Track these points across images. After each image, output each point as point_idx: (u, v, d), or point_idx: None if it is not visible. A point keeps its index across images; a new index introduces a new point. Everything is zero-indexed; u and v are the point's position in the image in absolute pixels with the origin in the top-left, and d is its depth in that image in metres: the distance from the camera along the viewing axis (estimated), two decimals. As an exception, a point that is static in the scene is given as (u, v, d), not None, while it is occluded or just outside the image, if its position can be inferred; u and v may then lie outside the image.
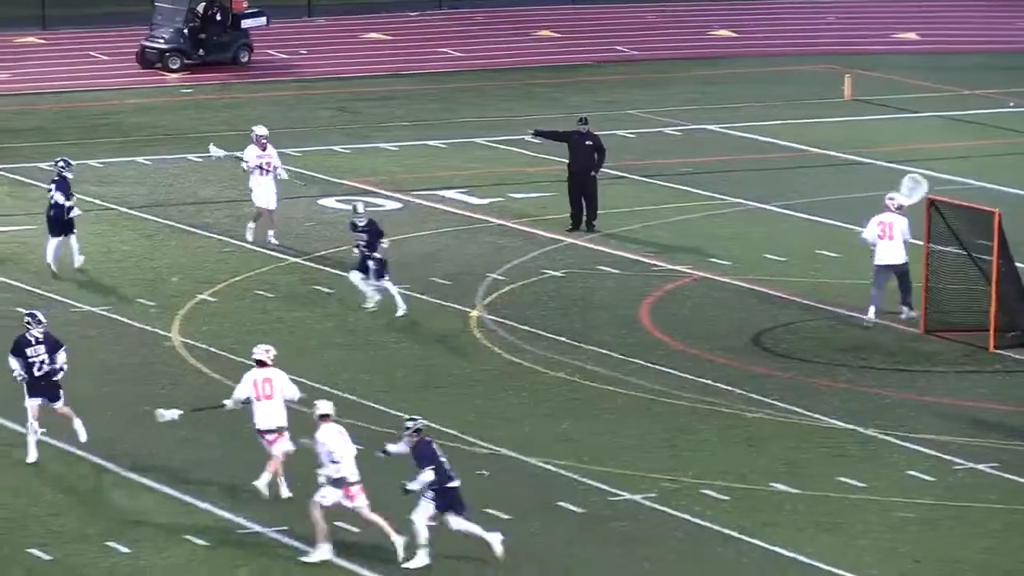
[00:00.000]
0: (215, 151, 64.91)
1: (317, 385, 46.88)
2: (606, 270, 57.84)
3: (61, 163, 60.80)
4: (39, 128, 77.10)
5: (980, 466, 43.12)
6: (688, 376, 48.79)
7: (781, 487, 42.14)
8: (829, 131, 75.25)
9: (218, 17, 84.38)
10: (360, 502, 39.54)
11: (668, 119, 77.28)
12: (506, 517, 40.28)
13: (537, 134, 63.95)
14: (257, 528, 40.86)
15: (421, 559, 39.00)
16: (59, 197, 59.34)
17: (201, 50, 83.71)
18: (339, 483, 39.45)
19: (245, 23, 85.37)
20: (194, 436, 44.70)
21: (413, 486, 38.50)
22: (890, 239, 51.85)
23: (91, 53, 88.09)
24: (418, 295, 55.36)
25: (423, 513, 38.68)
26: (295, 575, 39.16)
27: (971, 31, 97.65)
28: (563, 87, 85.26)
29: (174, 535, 40.61)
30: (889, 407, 46.96)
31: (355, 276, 54.60)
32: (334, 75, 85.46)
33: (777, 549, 39.35)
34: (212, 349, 51.14)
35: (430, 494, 39.02)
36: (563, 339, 51.65)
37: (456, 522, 38.77)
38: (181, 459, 44.02)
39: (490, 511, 40.46)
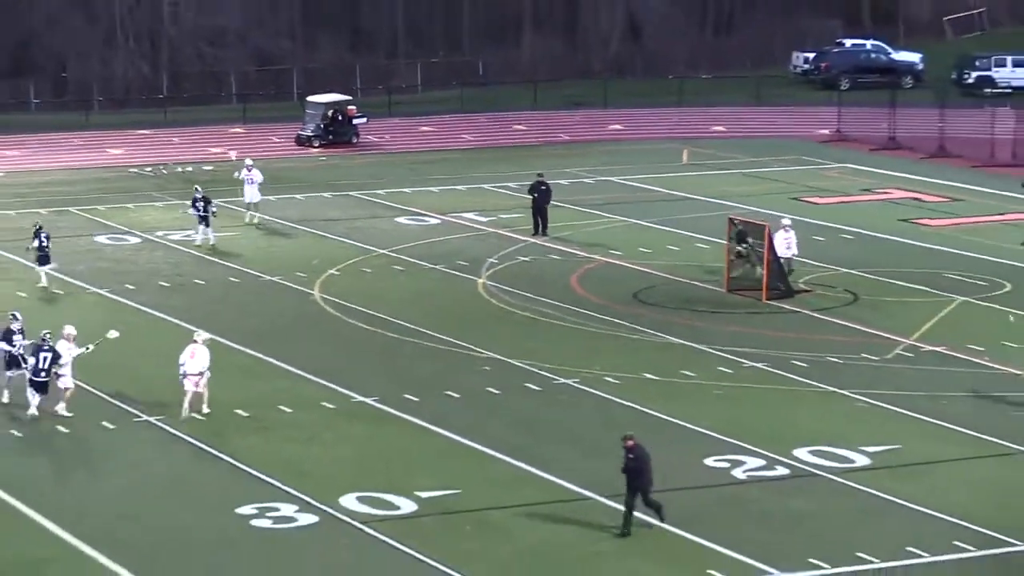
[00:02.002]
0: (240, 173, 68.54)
1: (389, 318, 53.01)
2: (553, 257, 62.40)
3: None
4: (225, 177, 78.30)
5: (759, 364, 48.50)
6: (596, 314, 53.90)
7: (649, 376, 47.49)
8: (674, 181, 78.82)
9: (339, 117, 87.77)
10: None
11: (586, 174, 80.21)
12: (496, 392, 46.44)
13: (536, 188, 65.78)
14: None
15: None
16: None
17: (330, 136, 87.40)
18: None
19: (355, 121, 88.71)
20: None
21: None
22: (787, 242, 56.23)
23: (271, 138, 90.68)
24: (450, 271, 60.17)
25: None
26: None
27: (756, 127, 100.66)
28: (530, 157, 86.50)
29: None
30: (705, 332, 52.00)
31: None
32: (404, 150, 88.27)
33: (649, 411, 44.59)
34: (338, 301, 55.56)
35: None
36: (529, 294, 56.22)
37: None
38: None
39: (490, 390, 46.52)
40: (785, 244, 56.48)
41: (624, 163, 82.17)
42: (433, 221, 68.54)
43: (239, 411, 44.58)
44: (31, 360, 42.71)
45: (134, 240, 65.68)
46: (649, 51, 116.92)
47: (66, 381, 43.06)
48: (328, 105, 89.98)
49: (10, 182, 77.84)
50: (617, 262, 61.15)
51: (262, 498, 38.27)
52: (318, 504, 37.81)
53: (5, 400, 43.81)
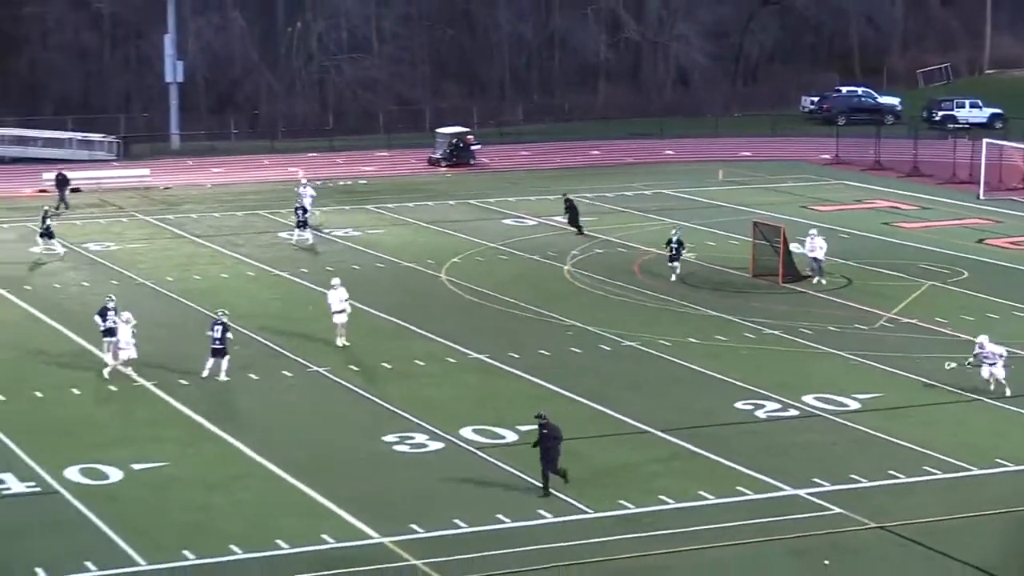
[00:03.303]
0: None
1: (496, 294, 52.69)
2: (620, 250, 61.84)
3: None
4: (392, 189, 79.69)
5: (775, 331, 47.80)
6: (652, 293, 53.18)
7: (692, 340, 47.11)
8: (711, 193, 77.78)
9: (461, 144, 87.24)
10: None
11: (645, 188, 79.59)
12: (578, 351, 46.70)
13: (569, 204, 65.02)
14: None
15: None
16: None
17: (454, 158, 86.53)
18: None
19: (472, 147, 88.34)
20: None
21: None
22: (811, 249, 54.53)
23: (410, 160, 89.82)
24: (542, 260, 59.68)
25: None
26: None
27: (774, 152, 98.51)
28: (603, 176, 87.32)
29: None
30: (735, 306, 51.39)
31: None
32: (508, 169, 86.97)
33: (692, 366, 44.78)
34: (459, 282, 55.42)
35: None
36: (602, 277, 55.72)
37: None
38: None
39: (572, 349, 46.36)
40: (810, 248, 55.25)
41: (674, 180, 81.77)
42: (530, 222, 68.37)
43: (385, 364, 44.64)
44: (208, 333, 42.17)
45: (307, 236, 64.89)
46: (694, 95, 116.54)
47: (128, 352, 42.11)
48: (453, 135, 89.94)
49: (215, 192, 78.10)
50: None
51: (402, 429, 38.34)
52: (444, 434, 37.87)
53: (110, 361, 42.81)
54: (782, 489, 34.22)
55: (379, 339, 47.63)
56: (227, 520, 31.99)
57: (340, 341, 45.84)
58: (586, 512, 32.75)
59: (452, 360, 45.27)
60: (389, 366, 44.52)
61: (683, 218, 68.42)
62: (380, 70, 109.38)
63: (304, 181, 68.40)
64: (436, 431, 38.07)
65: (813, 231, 55.45)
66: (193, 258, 60.56)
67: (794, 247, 55.24)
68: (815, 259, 54.80)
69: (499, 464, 35.66)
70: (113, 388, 41.91)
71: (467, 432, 38.08)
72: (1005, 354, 40.75)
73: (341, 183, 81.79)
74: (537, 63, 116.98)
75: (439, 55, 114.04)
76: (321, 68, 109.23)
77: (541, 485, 33.28)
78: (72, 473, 34.84)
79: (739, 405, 40.67)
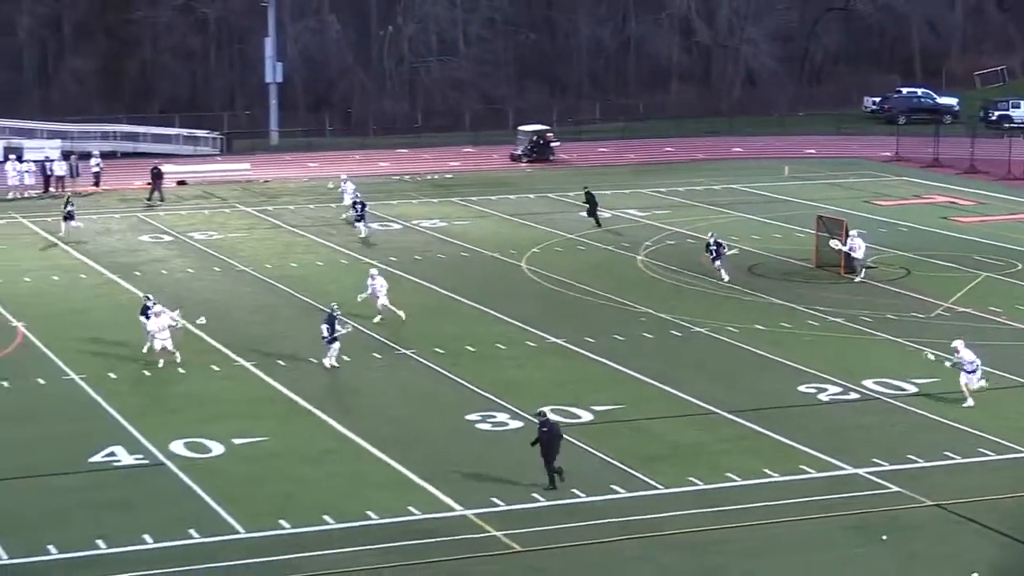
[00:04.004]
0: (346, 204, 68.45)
1: (573, 283, 52.52)
2: (690, 242, 60.47)
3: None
4: (476, 183, 79.83)
5: (837, 319, 47.89)
6: (720, 282, 52.95)
7: (758, 326, 46.86)
8: (777, 188, 77.25)
9: (541, 141, 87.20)
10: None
11: (715, 183, 79.33)
12: (650, 336, 47.09)
13: (588, 197, 64.43)
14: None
15: None
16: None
17: (534, 154, 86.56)
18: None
19: (552, 144, 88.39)
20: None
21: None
22: (850, 248, 53.14)
23: (492, 156, 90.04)
24: (617, 250, 59.67)
25: None
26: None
27: (837, 150, 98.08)
28: (675, 171, 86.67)
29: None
30: (799, 295, 51.23)
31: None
32: (586, 165, 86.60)
33: (758, 351, 44.45)
34: (538, 270, 55.51)
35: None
36: (673, 267, 55.60)
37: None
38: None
39: (645, 334, 46.46)
40: (850, 247, 54.20)
41: (742, 175, 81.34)
42: (605, 215, 67.62)
43: (468, 347, 44.71)
44: (323, 326, 41.97)
45: (396, 227, 65.77)
46: (761, 95, 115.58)
47: (164, 342, 41.71)
48: (534, 132, 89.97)
49: (310, 186, 78.02)
50: (736, 245, 59.34)
51: (484, 408, 38.45)
52: (523, 413, 37.78)
53: (163, 344, 42.37)
54: (843, 468, 34.06)
55: (463, 323, 47.74)
56: (320, 492, 32.14)
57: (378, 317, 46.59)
58: (657, 488, 32.73)
59: (532, 344, 45.28)
60: (473, 349, 44.56)
61: (750, 212, 68.30)
62: (466, 71, 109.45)
63: (344, 177, 68.57)
64: (516, 410, 38.08)
65: (853, 232, 54.69)
66: (290, 247, 60.81)
67: (834, 243, 54.56)
68: (854, 258, 53.89)
69: (575, 442, 35.51)
70: (216, 368, 42.15)
71: (546, 411, 37.72)
72: (978, 361, 38.53)
73: (428, 177, 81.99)
74: (614, 65, 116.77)
75: (522, 57, 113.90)
76: (411, 69, 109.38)
77: (548, 480, 32.38)
78: (177, 447, 35.16)
79: (802, 388, 40.46)
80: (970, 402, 38.18)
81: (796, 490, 32.60)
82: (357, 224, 62.09)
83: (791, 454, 34.96)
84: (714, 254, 53.10)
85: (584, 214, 64.58)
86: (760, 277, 54.88)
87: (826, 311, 49.33)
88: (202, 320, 44.32)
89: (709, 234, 55.13)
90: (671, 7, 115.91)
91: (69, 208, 61.61)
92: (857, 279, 52.96)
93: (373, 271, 48.59)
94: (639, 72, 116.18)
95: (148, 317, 41.99)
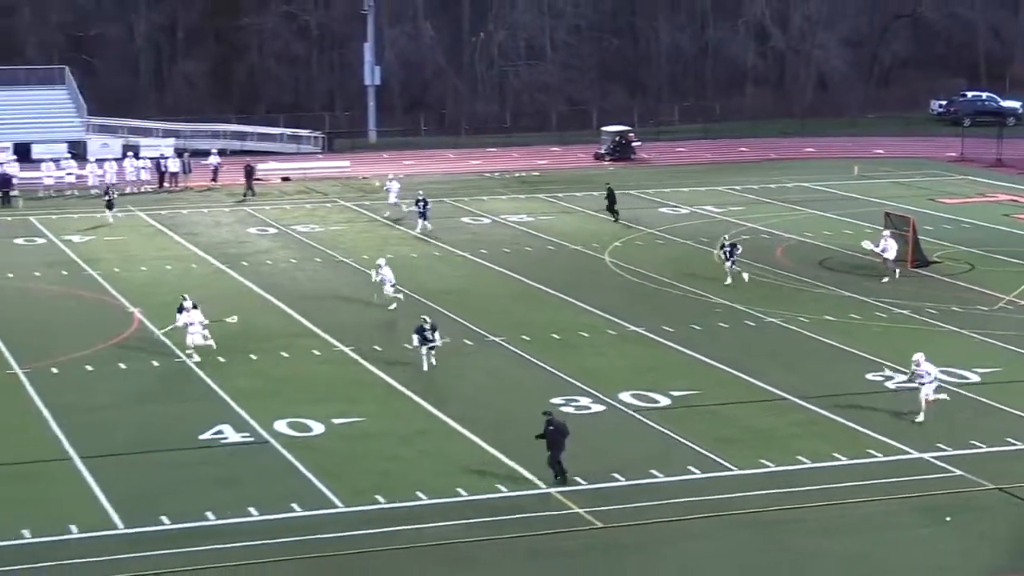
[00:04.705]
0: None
1: (653, 275, 52.47)
2: (764, 237, 60.93)
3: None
4: (561, 180, 78.62)
5: (904, 311, 47.64)
6: (793, 275, 52.85)
7: (828, 317, 46.29)
8: (848, 186, 76.56)
9: (623, 141, 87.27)
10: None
11: (788, 181, 79.17)
12: (725, 326, 46.97)
13: (609, 192, 64.49)
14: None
15: None
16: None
17: (617, 153, 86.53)
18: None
19: (633, 143, 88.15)
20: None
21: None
22: (883, 249, 51.84)
23: (577, 155, 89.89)
24: (694, 245, 59.06)
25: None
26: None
27: (905, 150, 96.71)
28: (750, 171, 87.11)
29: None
30: (868, 288, 50.61)
31: None
32: (665, 164, 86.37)
33: (829, 341, 44.12)
34: (620, 263, 55.52)
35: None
36: (747, 261, 53.79)
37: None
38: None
39: (721, 324, 46.19)
40: (882, 248, 52.97)
41: (813, 174, 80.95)
42: (684, 211, 68.04)
43: (554, 335, 44.61)
44: (413, 336, 40.21)
45: (486, 221, 65.81)
46: (832, 98, 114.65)
47: (194, 339, 41.14)
48: (616, 133, 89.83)
49: (407, 182, 76.92)
50: (808, 240, 60.08)
51: (567, 392, 38.28)
52: (605, 398, 37.78)
53: (192, 339, 41.88)
54: (908, 453, 33.77)
55: (549, 312, 47.66)
56: (414, 470, 32.20)
57: (393, 306, 46.28)
58: (731, 469, 32.63)
59: (613, 332, 45.12)
60: (558, 337, 44.46)
61: (821, 209, 67.69)
62: (553, 75, 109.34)
63: (391, 176, 68.46)
64: (598, 395, 37.99)
65: (886, 232, 53.62)
66: (387, 240, 60.80)
67: (866, 244, 53.80)
68: (886, 259, 52.69)
69: (654, 425, 35.58)
70: (316, 352, 42.33)
71: (626, 396, 37.99)
72: (938, 374, 36.07)
73: (516, 174, 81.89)
74: (692, 69, 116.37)
75: (605, 62, 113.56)
76: (501, 73, 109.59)
77: (554, 473, 31.44)
78: (280, 426, 35.30)
79: (870, 376, 40.09)
80: (921, 417, 35.84)
81: (863, 473, 32.32)
82: (419, 220, 61.49)
83: (858, 438, 34.64)
84: (727, 256, 51.52)
85: (607, 209, 64.29)
86: (830, 271, 54.44)
87: (893, 303, 48.88)
88: (233, 319, 43.52)
89: (724, 236, 54.29)
90: (747, 14, 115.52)
91: (109, 198, 63.50)
92: (885, 280, 51.67)
93: (381, 261, 48.18)
94: (716, 75, 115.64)
95: (182, 313, 41.62)
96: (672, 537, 28.74)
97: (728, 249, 51.44)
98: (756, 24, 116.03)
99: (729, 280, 50.72)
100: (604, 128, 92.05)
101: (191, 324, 40.98)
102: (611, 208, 64.19)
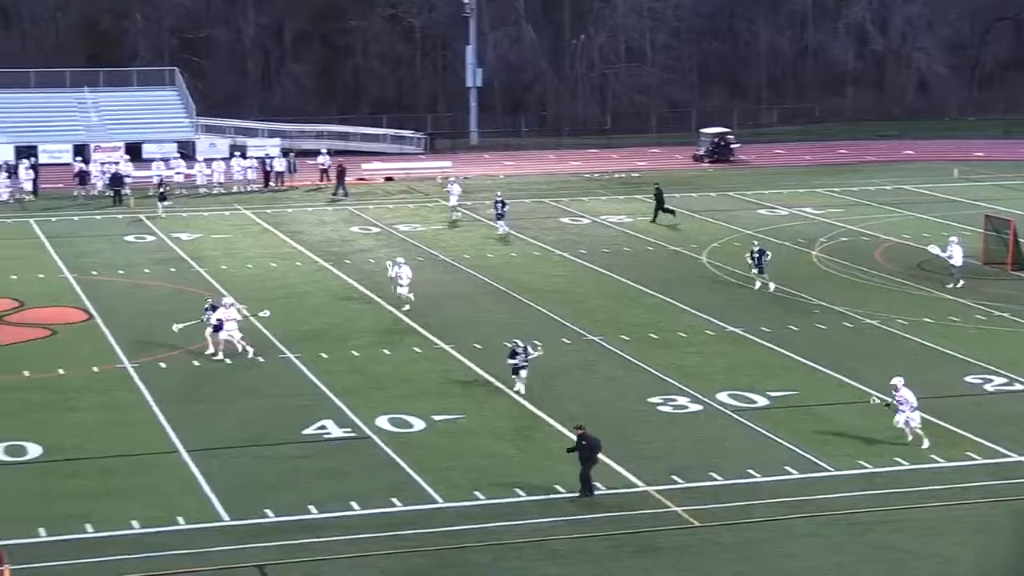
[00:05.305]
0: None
1: (748, 275, 52.16)
2: (863, 239, 60.53)
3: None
4: (660, 182, 73.33)
5: (1004, 313, 47.16)
6: (891, 277, 52.46)
7: (926, 319, 46.38)
8: (947, 189, 76.13)
9: (722, 143, 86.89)
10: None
11: (887, 184, 78.69)
12: (823, 327, 46.81)
13: (657, 193, 64.07)
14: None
15: None
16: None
17: (716, 155, 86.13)
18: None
19: (732, 145, 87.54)
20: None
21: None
22: (949, 256, 51.24)
23: (677, 156, 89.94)
24: (792, 246, 58.86)
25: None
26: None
27: (1005, 153, 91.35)
28: (848, 172, 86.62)
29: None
30: (967, 290, 50.51)
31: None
32: (764, 165, 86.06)
33: (926, 343, 44.17)
34: (717, 263, 55.23)
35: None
36: (846, 262, 55.08)
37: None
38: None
39: (818, 325, 45.78)
40: (948, 253, 52.24)
41: (913, 176, 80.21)
42: (782, 212, 67.66)
43: (652, 334, 44.52)
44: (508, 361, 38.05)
45: (585, 221, 65.70)
46: (932, 100, 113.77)
47: (230, 334, 40.86)
48: (715, 135, 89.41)
49: (507, 182, 77.90)
50: (906, 242, 59.60)
51: (665, 392, 38.21)
52: (702, 397, 37.64)
53: (230, 335, 41.22)
54: (1008, 456, 33.38)
55: (647, 312, 47.57)
56: (512, 466, 32.24)
57: (406, 307, 46.03)
58: (828, 470, 32.38)
59: (711, 332, 44.95)
60: (656, 336, 44.35)
61: (921, 211, 67.21)
62: (652, 77, 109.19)
63: (452, 179, 68.13)
64: (696, 395, 37.87)
65: (953, 238, 52.94)
66: (486, 239, 60.87)
67: (932, 248, 53.23)
68: (952, 264, 51.62)
69: (751, 425, 35.42)
70: (417, 350, 42.47)
71: (723, 396, 37.83)
72: (915, 403, 33.72)
73: (616, 176, 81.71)
74: (792, 71, 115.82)
75: (705, 64, 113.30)
76: (601, 75, 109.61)
77: (581, 487, 30.56)
78: (382, 421, 35.43)
79: (969, 379, 39.71)
80: (925, 443, 33.94)
81: (962, 475, 32.02)
82: (496, 222, 61.26)
83: (957, 441, 34.31)
84: (756, 262, 50.48)
85: (655, 210, 63.92)
86: (929, 273, 53.90)
87: (993, 306, 48.45)
88: (266, 313, 43.63)
89: (753, 242, 53.32)
90: (847, 16, 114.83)
91: (162, 191, 65.55)
92: (950, 285, 50.72)
93: (399, 259, 48.06)
94: (815, 77, 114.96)
95: (215, 309, 41.36)
96: (769, 536, 28.56)
97: (757, 255, 50.61)
98: (856, 26, 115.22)
99: (758, 285, 49.96)
100: (703, 130, 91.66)
101: (226, 321, 40.83)
102: (658, 210, 63.80)
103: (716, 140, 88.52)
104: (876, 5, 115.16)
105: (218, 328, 40.75)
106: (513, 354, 37.41)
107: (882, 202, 71.21)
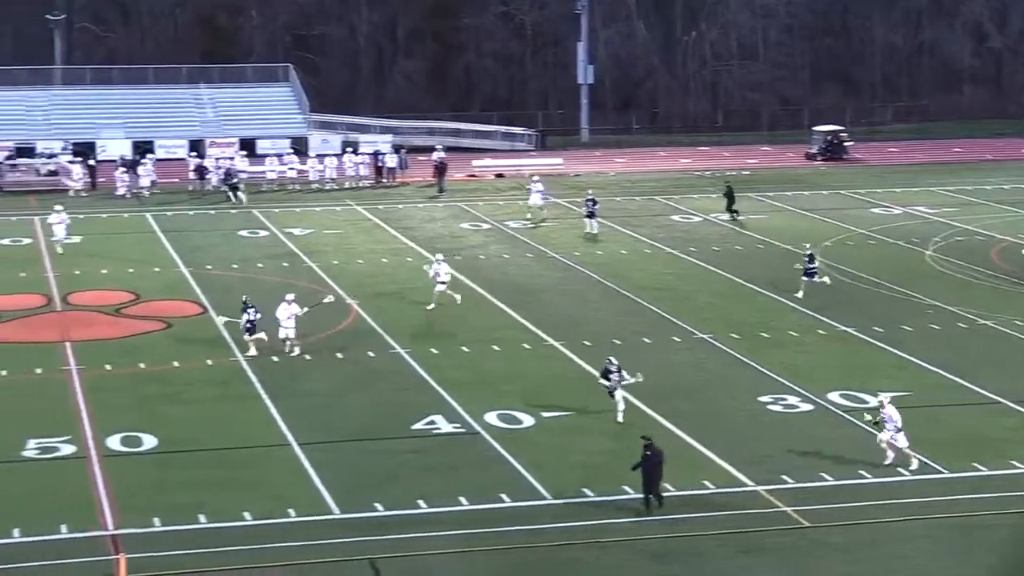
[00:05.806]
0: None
1: (862, 275, 51.96)
2: (978, 238, 59.93)
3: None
4: (772, 179, 78.32)
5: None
6: (1008, 277, 52.00)
7: (1017, 322, 46.52)
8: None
9: (835, 141, 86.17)
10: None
11: (1006, 183, 78.08)
12: (936, 327, 45.60)
13: (728, 190, 64.04)
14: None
15: None
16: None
17: (828, 153, 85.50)
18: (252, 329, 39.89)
19: (845, 143, 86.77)
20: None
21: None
22: None
23: (788, 154, 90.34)
24: (906, 245, 58.35)
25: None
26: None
27: None
28: (963, 171, 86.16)
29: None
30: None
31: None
32: (877, 164, 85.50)
33: None
34: (828, 262, 53.54)
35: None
36: (960, 262, 54.20)
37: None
38: None
39: (932, 326, 45.29)
40: None
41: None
42: (896, 211, 67.07)
43: (763, 333, 44.27)
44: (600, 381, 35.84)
45: (696, 219, 65.45)
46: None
47: (287, 331, 40.72)
48: (828, 132, 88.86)
49: (617, 180, 78.36)
50: (1023, 242, 58.55)
51: (775, 391, 37.99)
52: (813, 397, 37.38)
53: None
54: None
55: (758, 311, 47.34)
56: (621, 464, 31.91)
57: (431, 305, 45.76)
58: (942, 472, 32.07)
59: (822, 332, 44.65)
60: (767, 335, 44.14)
61: (1037, 210, 66.22)
62: (764, 74, 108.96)
63: (536, 178, 67.36)
64: (807, 394, 37.61)
65: None
66: (596, 235, 60.69)
67: None
68: None
69: (862, 425, 34.93)
70: (527, 347, 42.52)
71: (834, 396, 37.54)
72: (900, 422, 32.16)
73: (728, 173, 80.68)
74: (906, 68, 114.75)
75: (817, 61, 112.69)
76: (713, 72, 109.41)
77: (644, 503, 29.71)
78: (491, 418, 35.55)
79: (1087, 381, 39.10)
80: (914, 463, 32.49)
81: (1081, 480, 31.55)
82: (586, 220, 60.64)
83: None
84: (805, 269, 48.88)
85: (726, 209, 63.51)
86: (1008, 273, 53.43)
87: (1112, 307, 47.67)
88: (330, 299, 44.24)
89: (807, 245, 52.14)
90: (964, 13, 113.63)
91: (234, 181, 67.68)
92: None
93: (439, 256, 47.89)
94: (931, 75, 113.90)
95: (247, 313, 40.95)
96: (879, 538, 28.35)
97: (807, 260, 49.15)
98: (974, 23, 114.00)
99: (800, 293, 48.43)
100: (816, 128, 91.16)
101: (286, 319, 40.82)
102: (730, 208, 63.36)
103: (829, 138, 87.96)
104: (995, 2, 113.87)
105: (250, 329, 40.76)
106: (606, 373, 35.37)
107: (998, 201, 70.36)
